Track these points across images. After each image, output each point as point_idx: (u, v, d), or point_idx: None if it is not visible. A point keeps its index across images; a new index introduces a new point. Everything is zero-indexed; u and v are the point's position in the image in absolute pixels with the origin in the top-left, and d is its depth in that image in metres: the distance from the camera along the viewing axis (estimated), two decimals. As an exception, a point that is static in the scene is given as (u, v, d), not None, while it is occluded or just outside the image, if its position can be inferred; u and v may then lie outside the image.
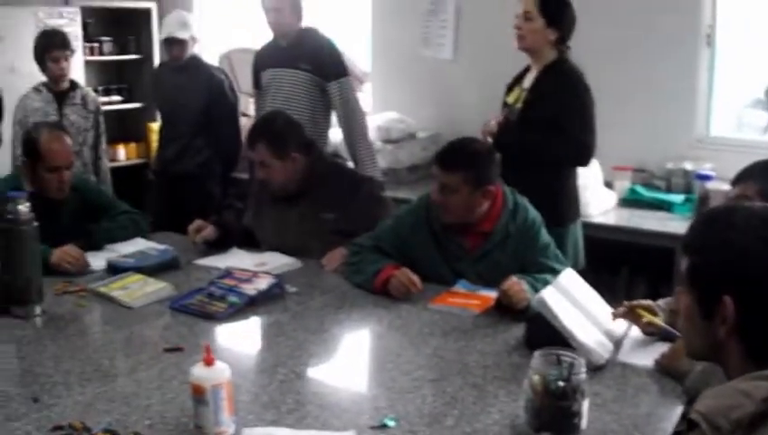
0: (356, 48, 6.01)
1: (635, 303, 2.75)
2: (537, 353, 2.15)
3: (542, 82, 3.92)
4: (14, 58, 6.14)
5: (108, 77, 7.53)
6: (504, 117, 4.00)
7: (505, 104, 4.11)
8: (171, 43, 5.46)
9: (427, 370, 2.52)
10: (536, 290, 2.87)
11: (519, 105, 3.97)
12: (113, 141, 6.47)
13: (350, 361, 2.77)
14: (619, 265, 5.00)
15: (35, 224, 3.11)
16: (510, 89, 4.13)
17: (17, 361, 2.73)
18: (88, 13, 7.05)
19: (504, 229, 3.24)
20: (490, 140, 3.88)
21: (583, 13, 3.96)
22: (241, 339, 2.94)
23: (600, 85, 3.92)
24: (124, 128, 7.46)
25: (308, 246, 3.74)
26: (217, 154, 5.58)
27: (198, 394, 2.08)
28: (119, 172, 6.14)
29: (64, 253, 3.59)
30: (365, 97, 5.34)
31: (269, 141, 3.75)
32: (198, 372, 2.10)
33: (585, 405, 2.11)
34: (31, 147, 3.80)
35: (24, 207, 3.08)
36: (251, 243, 3.98)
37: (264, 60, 5.14)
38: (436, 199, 3.22)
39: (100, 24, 7.37)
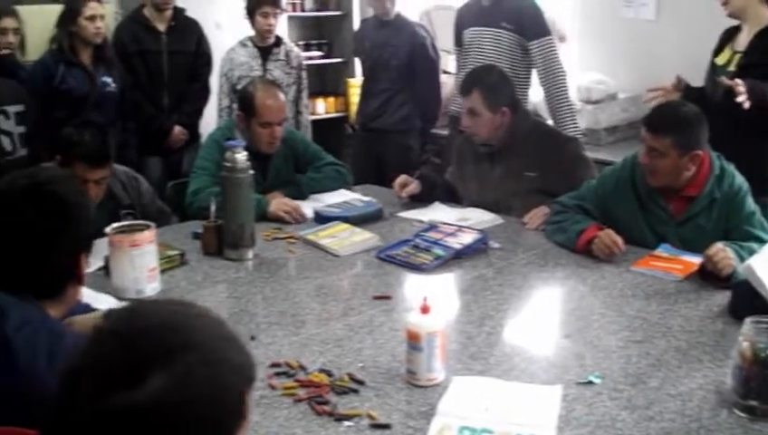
0: (556, 7, 5.95)
1: None
2: (748, 320, 2.12)
3: (760, 47, 3.82)
4: (220, 14, 6.34)
5: (309, 32, 7.67)
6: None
7: (713, 66, 4.02)
8: None
9: (631, 331, 2.54)
10: (741, 258, 2.83)
11: (732, 68, 3.88)
12: (313, 95, 6.60)
13: (555, 317, 2.80)
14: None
15: (251, 172, 3.28)
16: (719, 50, 4.04)
17: (233, 300, 2.89)
18: (290, -29, 7.22)
19: (710, 195, 3.18)
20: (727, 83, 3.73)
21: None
22: (447, 291, 3.01)
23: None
24: (323, 82, 7.62)
25: (509, 204, 3.80)
26: (417, 110, 5.67)
27: (413, 340, 2.17)
28: (318, 125, 6.29)
29: (282, 203, 3.76)
30: (564, 57, 5.30)
31: (484, 91, 3.79)
32: (415, 319, 2.19)
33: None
34: (246, 102, 3.97)
35: (241, 156, 3.25)
36: (452, 198, 4.06)
37: (467, 18, 5.17)
38: (643, 162, 3.20)
39: (302, -20, 7.55)
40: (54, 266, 1.84)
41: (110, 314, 1.15)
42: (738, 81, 3.63)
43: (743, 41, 3.90)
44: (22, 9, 5.08)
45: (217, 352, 1.08)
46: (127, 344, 1.02)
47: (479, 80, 3.88)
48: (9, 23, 4.86)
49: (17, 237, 1.80)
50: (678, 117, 3.17)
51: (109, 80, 4.84)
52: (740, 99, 3.59)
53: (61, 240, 1.83)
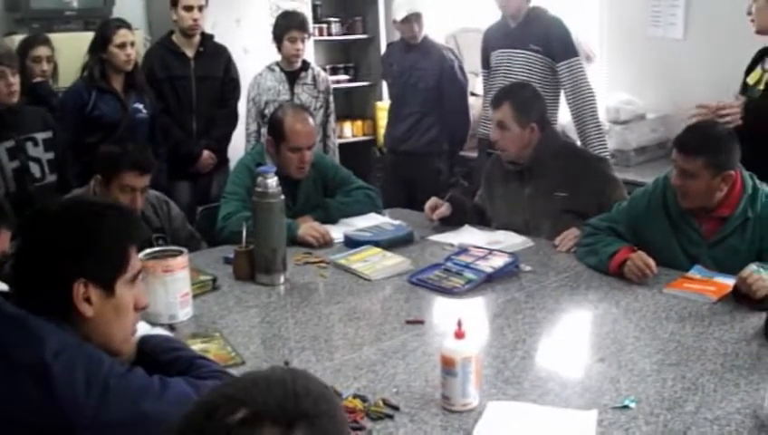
0: (583, 27, 5.94)
1: None
2: (785, 343, 2.12)
3: None
4: (248, 40, 6.42)
5: (336, 56, 7.73)
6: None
7: (745, 85, 4.00)
8: (411, 21, 5.49)
9: (666, 354, 2.51)
10: (775, 279, 2.79)
11: (761, 87, 3.85)
12: (340, 119, 6.64)
13: (588, 341, 2.77)
14: None
15: (282, 198, 3.29)
16: (750, 69, 4.02)
17: (266, 325, 2.89)
18: (317, -5, 7.29)
19: (743, 215, 3.14)
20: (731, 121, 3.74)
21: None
22: (479, 315, 2.99)
23: None
24: (351, 106, 7.67)
25: (538, 224, 3.79)
26: (446, 132, 5.65)
27: (448, 366, 2.16)
28: (345, 149, 6.31)
29: (310, 228, 3.77)
30: (592, 77, 5.28)
31: (515, 104, 3.80)
32: (449, 344, 2.18)
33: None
34: (276, 126, 3.99)
35: (272, 182, 3.26)
36: (481, 220, 4.05)
37: (494, 40, 5.19)
38: (675, 184, 3.17)
39: (329, 5, 7.57)
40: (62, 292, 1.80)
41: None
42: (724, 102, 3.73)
43: (774, 60, 3.88)
44: (54, 37, 5.14)
45: (344, 431, 1.19)
46: (291, 396, 1.13)
47: (511, 94, 3.89)
48: (43, 51, 4.93)
49: (38, 262, 1.80)
50: (709, 137, 3.15)
51: (140, 106, 4.89)
52: (726, 119, 3.66)
53: (72, 266, 1.80)
